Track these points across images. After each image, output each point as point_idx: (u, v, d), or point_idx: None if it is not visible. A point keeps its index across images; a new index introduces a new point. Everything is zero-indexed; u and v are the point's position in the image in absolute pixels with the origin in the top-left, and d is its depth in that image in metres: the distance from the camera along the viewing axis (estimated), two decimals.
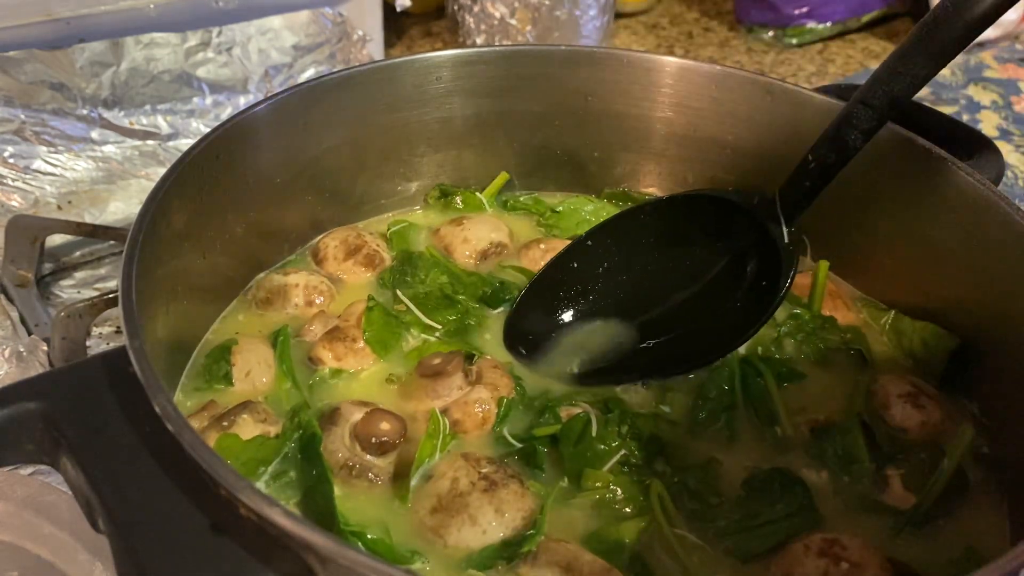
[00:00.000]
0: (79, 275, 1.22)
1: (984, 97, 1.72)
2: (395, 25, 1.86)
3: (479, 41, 1.76)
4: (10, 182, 1.26)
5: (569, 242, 1.09)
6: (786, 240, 0.95)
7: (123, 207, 1.29)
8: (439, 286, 1.03)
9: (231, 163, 0.95)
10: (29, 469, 0.91)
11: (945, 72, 1.80)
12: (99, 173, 1.31)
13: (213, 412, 0.83)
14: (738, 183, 1.14)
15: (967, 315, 0.95)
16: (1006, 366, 0.90)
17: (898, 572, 0.76)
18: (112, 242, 1.22)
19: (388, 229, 1.12)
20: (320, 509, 0.75)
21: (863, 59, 1.93)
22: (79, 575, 0.76)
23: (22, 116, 1.27)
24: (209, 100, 1.40)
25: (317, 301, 1.00)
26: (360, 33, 1.51)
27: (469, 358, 0.93)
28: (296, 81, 1.44)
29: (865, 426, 0.89)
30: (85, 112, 1.31)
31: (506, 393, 0.89)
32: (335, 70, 1.19)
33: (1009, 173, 1.52)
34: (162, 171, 0.88)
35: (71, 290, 1.19)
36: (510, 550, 0.75)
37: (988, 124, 1.65)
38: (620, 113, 1.15)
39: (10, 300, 1.11)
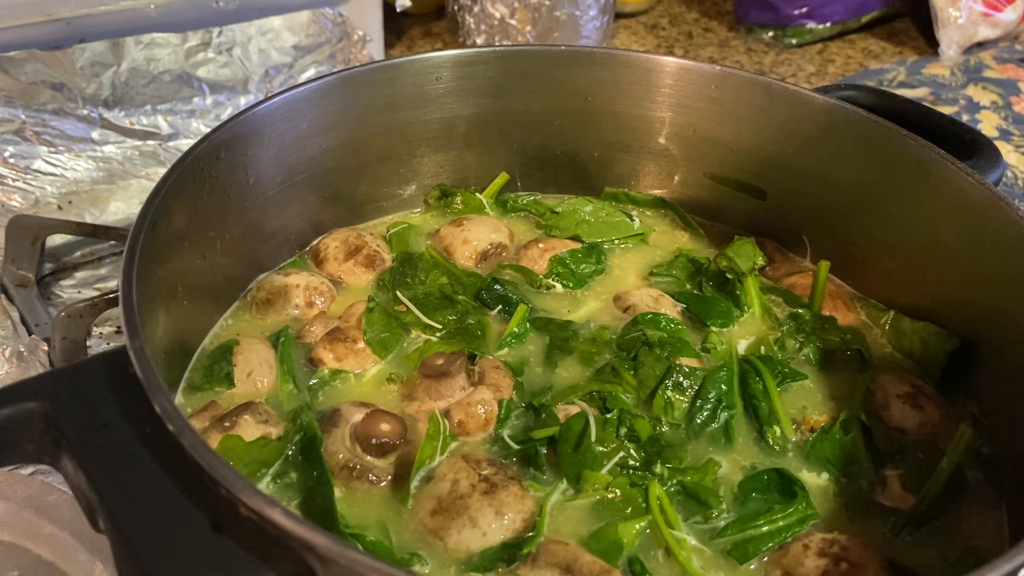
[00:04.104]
0: (79, 275, 1.22)
1: (984, 97, 1.72)
2: (395, 25, 1.86)
3: (479, 41, 1.76)
4: (11, 182, 1.26)
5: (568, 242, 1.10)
6: None
7: (123, 207, 1.30)
8: (439, 287, 1.03)
9: (231, 163, 0.95)
10: (29, 469, 0.91)
11: (945, 72, 1.80)
12: (99, 173, 1.31)
13: (214, 413, 0.83)
14: (737, 183, 1.14)
15: (967, 315, 0.95)
16: (1006, 366, 0.90)
17: (897, 572, 0.76)
18: (112, 242, 1.23)
19: (388, 230, 1.12)
20: (320, 510, 0.75)
21: (863, 59, 1.93)
22: (79, 575, 0.76)
23: (23, 116, 1.27)
24: (209, 100, 1.40)
25: (318, 302, 1.00)
26: (360, 33, 1.51)
27: (471, 358, 0.93)
28: (296, 81, 1.44)
29: (864, 426, 0.89)
30: (85, 112, 1.31)
31: (508, 394, 0.89)
32: (335, 70, 1.19)
33: (1009, 173, 1.52)
34: (162, 171, 0.88)
35: (71, 290, 1.19)
36: (510, 552, 0.75)
37: (988, 124, 1.65)
38: (620, 113, 1.15)
39: (11, 300, 1.11)
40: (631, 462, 0.84)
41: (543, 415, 0.87)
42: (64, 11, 1.29)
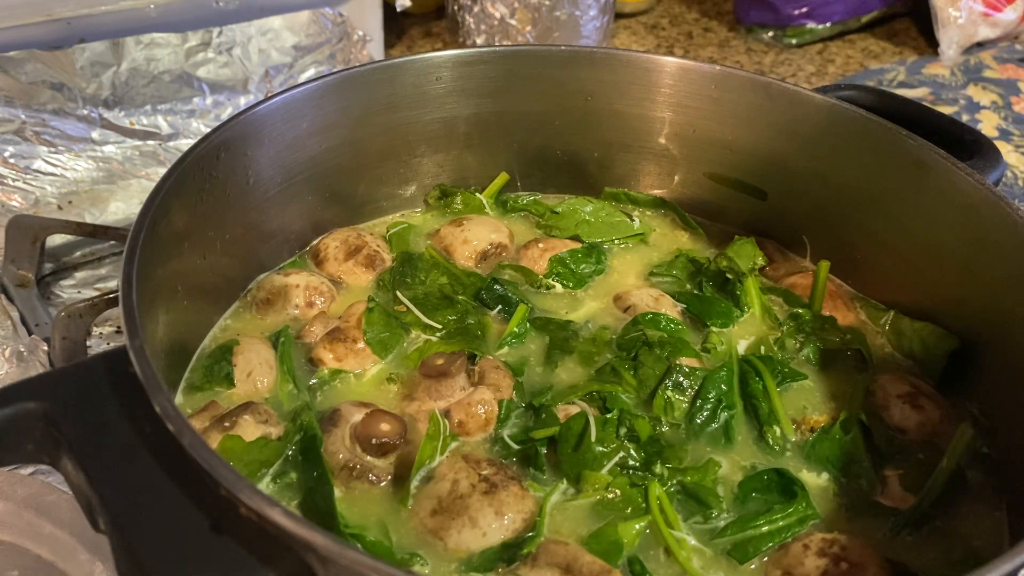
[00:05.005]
0: (79, 275, 1.22)
1: (984, 97, 1.72)
2: (395, 25, 1.86)
3: (479, 41, 1.76)
4: (11, 182, 1.26)
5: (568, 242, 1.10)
6: None
7: (123, 207, 1.30)
8: (439, 287, 1.03)
9: (231, 163, 0.95)
10: (29, 469, 0.91)
11: (945, 72, 1.80)
12: (99, 173, 1.31)
13: (214, 413, 0.83)
14: (737, 183, 1.14)
15: (967, 315, 0.95)
16: (1005, 366, 0.90)
17: (897, 572, 0.76)
18: (112, 242, 1.23)
19: (388, 230, 1.12)
20: (320, 510, 0.75)
21: (863, 59, 1.93)
22: (79, 575, 0.76)
23: (23, 116, 1.27)
24: (209, 100, 1.40)
25: (318, 302, 1.00)
26: (360, 33, 1.51)
27: (471, 358, 0.93)
28: (296, 81, 1.44)
29: (864, 426, 0.89)
30: (85, 112, 1.31)
31: (508, 394, 0.89)
32: (335, 70, 1.19)
33: (1009, 173, 1.52)
34: (162, 171, 0.88)
35: (71, 290, 1.19)
36: (510, 552, 0.75)
37: (988, 124, 1.65)
38: (620, 113, 1.15)
39: (11, 300, 1.11)
40: (631, 462, 0.84)
41: (543, 415, 0.87)
42: (64, 11, 1.29)
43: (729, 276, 1.05)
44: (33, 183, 1.27)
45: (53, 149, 1.29)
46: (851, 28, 2.00)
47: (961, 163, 0.95)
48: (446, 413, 0.86)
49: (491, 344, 0.97)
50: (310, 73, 1.48)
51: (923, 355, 0.98)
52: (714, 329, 1.00)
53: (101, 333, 1.10)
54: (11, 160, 1.27)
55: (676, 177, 1.18)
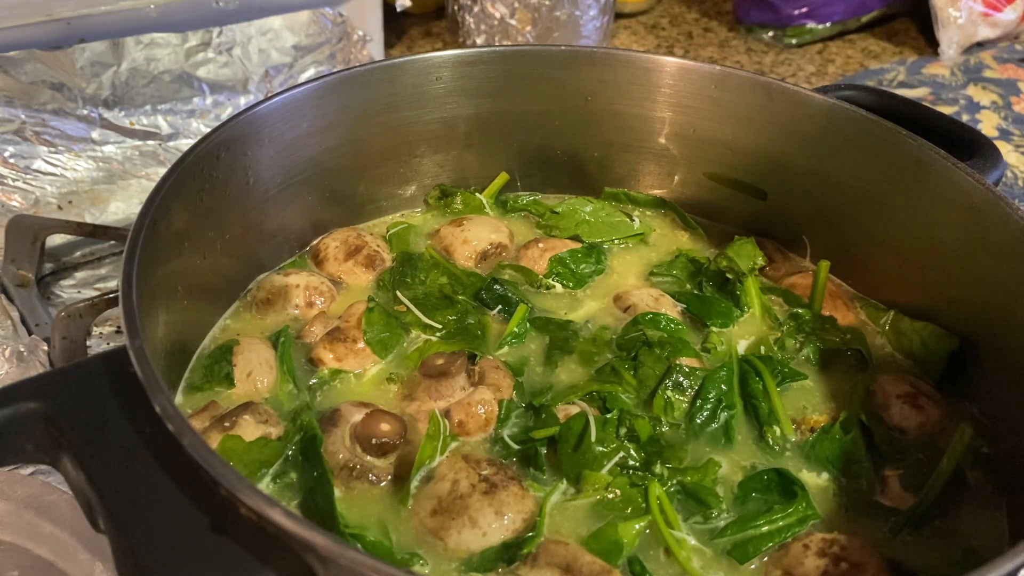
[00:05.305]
0: (79, 275, 1.22)
1: (984, 97, 1.72)
2: (395, 25, 1.86)
3: (479, 41, 1.76)
4: (10, 182, 1.26)
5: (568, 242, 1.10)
6: None
7: (123, 207, 1.30)
8: (439, 287, 1.03)
9: (231, 163, 0.95)
10: (29, 469, 0.91)
11: (945, 72, 1.80)
12: (99, 173, 1.31)
13: (214, 413, 0.83)
14: (737, 183, 1.14)
15: (967, 315, 0.95)
16: (1005, 366, 0.90)
17: (897, 572, 0.76)
18: (112, 242, 1.23)
19: (388, 230, 1.12)
20: (320, 510, 0.75)
21: (863, 59, 1.93)
22: (79, 575, 0.76)
23: (22, 116, 1.27)
24: (209, 100, 1.40)
25: (318, 302, 1.00)
26: (360, 33, 1.52)
27: (471, 358, 0.93)
28: (296, 81, 1.44)
29: (864, 426, 0.89)
30: (85, 112, 1.31)
31: (508, 394, 0.89)
32: (335, 70, 1.20)
33: (1009, 173, 1.52)
34: (162, 171, 0.88)
35: (71, 290, 1.20)
36: (510, 552, 0.75)
37: (988, 124, 1.65)
38: (620, 113, 1.15)
39: (11, 300, 1.11)
40: (631, 462, 0.84)
41: (543, 415, 0.87)
42: (64, 11, 1.29)
43: (729, 276, 1.05)
44: (33, 183, 1.28)
45: (53, 149, 1.30)
46: (851, 28, 2.00)
47: (961, 163, 0.95)
48: (446, 413, 0.86)
49: (491, 344, 0.97)
50: (310, 73, 1.48)
51: (923, 355, 0.98)
52: (714, 329, 1.00)
53: (101, 333, 1.10)
54: (11, 160, 1.27)
55: (676, 177, 1.18)
